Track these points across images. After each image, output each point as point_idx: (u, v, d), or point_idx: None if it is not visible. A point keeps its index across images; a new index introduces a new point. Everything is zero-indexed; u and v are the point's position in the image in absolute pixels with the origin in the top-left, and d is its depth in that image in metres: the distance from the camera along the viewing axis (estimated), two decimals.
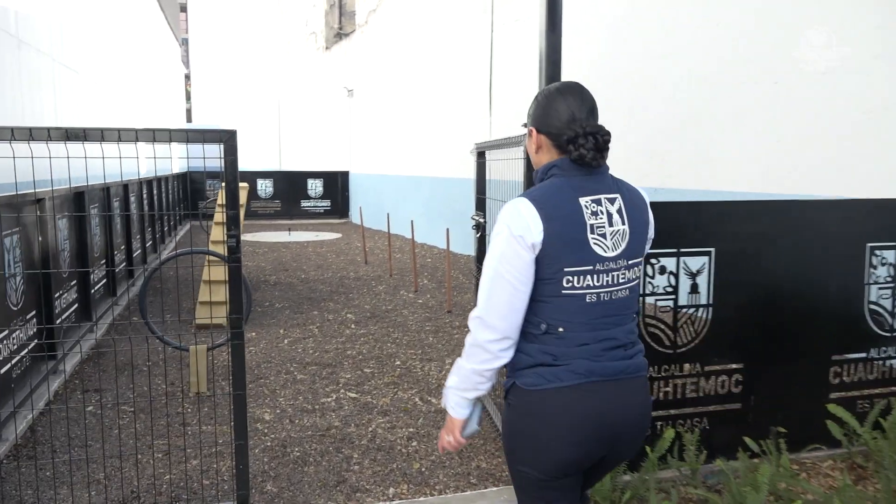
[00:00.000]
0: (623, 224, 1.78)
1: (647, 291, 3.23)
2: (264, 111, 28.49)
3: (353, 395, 4.78)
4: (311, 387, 4.95)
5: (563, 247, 1.71)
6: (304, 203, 18.18)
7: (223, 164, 2.73)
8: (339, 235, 14.92)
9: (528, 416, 1.77)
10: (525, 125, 1.95)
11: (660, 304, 3.29)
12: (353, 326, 6.70)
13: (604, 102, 2.06)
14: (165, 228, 13.15)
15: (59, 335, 5.19)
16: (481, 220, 4.06)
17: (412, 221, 9.80)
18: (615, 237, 1.76)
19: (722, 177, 6.58)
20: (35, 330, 4.79)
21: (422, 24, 13.52)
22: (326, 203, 18.30)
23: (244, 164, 31.52)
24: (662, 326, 3.30)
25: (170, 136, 2.68)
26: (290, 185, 18.11)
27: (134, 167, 13.58)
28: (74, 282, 6.00)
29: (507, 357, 1.78)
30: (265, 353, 5.79)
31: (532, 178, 1.91)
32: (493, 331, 1.73)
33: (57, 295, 5.35)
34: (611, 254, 1.75)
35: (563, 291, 1.72)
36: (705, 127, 6.78)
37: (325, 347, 5.97)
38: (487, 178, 4.22)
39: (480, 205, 4.23)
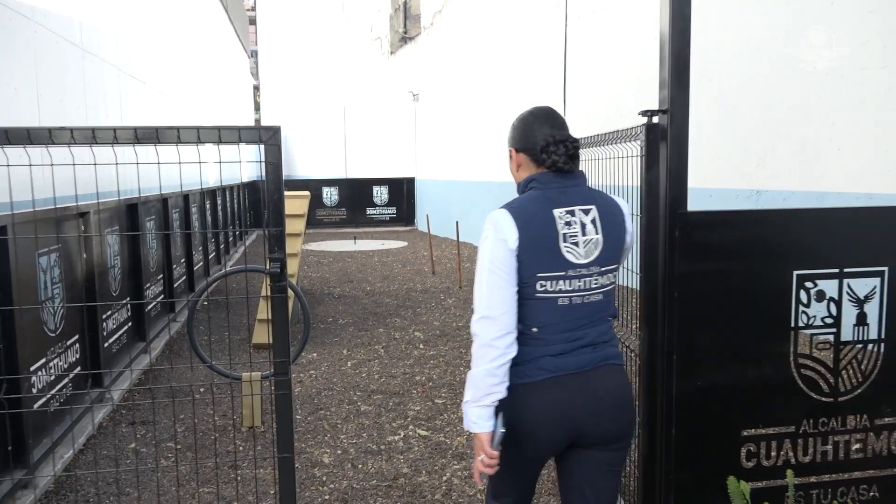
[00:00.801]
0: (597, 233, 1.90)
1: (801, 323, 2.51)
2: (330, 119, 28.48)
3: (424, 432, 4.18)
4: (377, 420, 4.39)
5: (535, 253, 1.83)
6: (370, 211, 17.83)
7: (264, 169, 2.17)
8: (405, 244, 14.45)
9: (508, 410, 1.87)
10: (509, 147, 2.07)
11: (817, 338, 2.56)
12: (421, 346, 6.13)
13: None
14: (230, 239, 12.94)
15: (104, 361, 4.79)
16: None
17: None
18: (588, 245, 1.89)
19: (836, 177, 5.70)
20: (77, 357, 4.39)
21: (489, 23, 12.92)
22: (392, 210, 17.90)
23: (309, 172, 31.73)
24: (820, 368, 2.57)
25: (198, 134, 2.14)
26: (356, 193, 17.79)
27: (195, 175, 13.46)
28: (127, 300, 5.64)
29: (513, 352, 1.85)
30: (326, 379, 5.26)
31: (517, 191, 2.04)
32: (498, 326, 1.81)
33: (105, 316, 4.97)
34: (583, 261, 1.88)
35: (537, 294, 1.85)
36: (814, 122, 5.90)
37: (392, 372, 5.41)
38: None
39: None
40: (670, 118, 2.34)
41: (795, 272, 2.46)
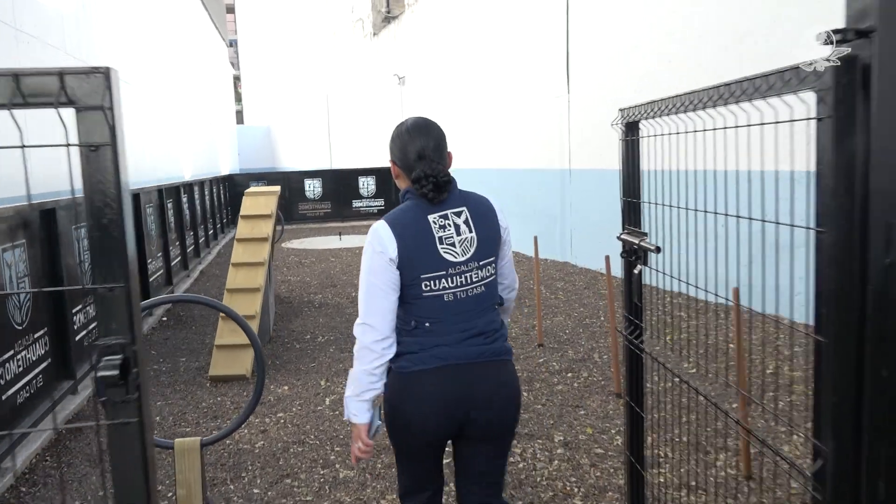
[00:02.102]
0: (470, 232, 2.04)
1: None
2: (313, 109, 27.24)
3: None
4: (360, 496, 3.30)
5: (416, 257, 1.98)
6: (356, 203, 16.69)
7: (72, 159, 1.06)
8: None
9: (398, 393, 2.00)
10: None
11: None
12: None
13: None
14: (202, 240, 11.78)
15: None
16: (638, 243, 2.32)
17: None
18: (464, 244, 2.02)
19: None
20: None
21: None
22: (380, 202, 16.76)
23: (293, 164, 30.53)
24: None
25: None
26: (340, 185, 16.64)
27: (165, 170, 12.40)
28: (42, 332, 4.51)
29: (390, 354, 1.99)
30: (297, 426, 4.17)
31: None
32: (375, 332, 1.96)
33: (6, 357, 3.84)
34: (461, 258, 2.01)
35: (424, 294, 1.99)
36: None
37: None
38: (647, 167, 2.47)
39: (633, 213, 2.48)
40: (880, 45, 1.24)
41: None
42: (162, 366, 5.52)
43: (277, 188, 7.01)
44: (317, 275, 9.48)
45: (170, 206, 9.57)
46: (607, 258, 4.26)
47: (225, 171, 24.83)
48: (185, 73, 17.39)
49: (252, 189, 6.29)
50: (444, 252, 1.99)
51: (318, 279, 9.15)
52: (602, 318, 6.37)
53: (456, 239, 2.01)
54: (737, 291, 3.09)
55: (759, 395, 4.03)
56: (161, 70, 13.65)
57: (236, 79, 49.71)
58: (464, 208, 2.05)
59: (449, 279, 1.99)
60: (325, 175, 16.90)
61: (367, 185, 16.66)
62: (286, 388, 4.85)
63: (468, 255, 2.01)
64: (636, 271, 2.37)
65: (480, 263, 2.03)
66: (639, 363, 2.41)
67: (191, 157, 17.21)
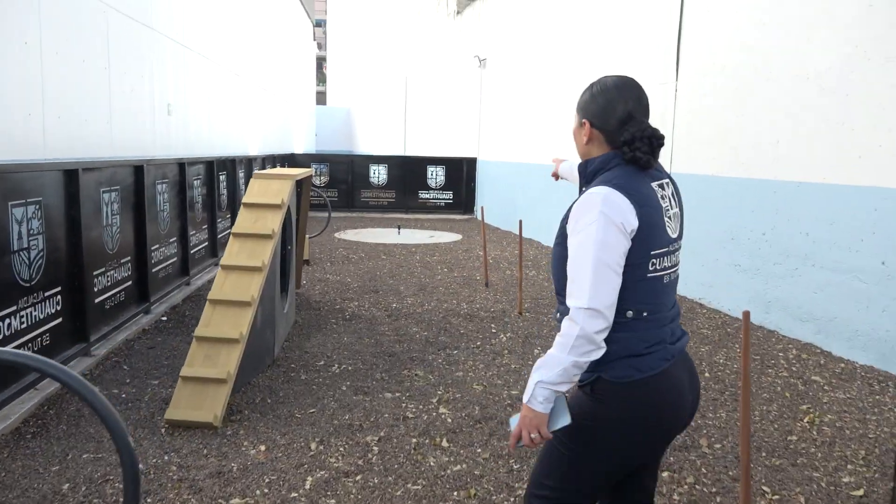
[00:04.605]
0: (676, 206, 1.88)
1: None
2: (392, 92, 26.12)
3: None
4: None
5: (650, 231, 1.74)
6: (423, 194, 15.34)
7: None
8: (458, 237, 11.92)
9: (627, 409, 1.75)
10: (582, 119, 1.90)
11: None
12: (444, 445, 3.60)
13: None
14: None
15: None
16: None
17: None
18: (675, 219, 1.86)
19: None
20: None
21: None
22: (448, 195, 15.36)
23: (369, 149, 29.62)
24: None
25: None
26: (408, 173, 15.32)
27: (225, 145, 11.83)
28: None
29: (605, 347, 1.74)
30: None
31: (583, 169, 1.90)
32: (603, 320, 1.70)
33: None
34: (674, 235, 1.84)
35: (648, 275, 1.76)
36: None
37: None
38: None
39: None
40: None
41: None
42: (124, 390, 4.29)
43: (306, 170, 5.70)
44: (360, 275, 8.17)
45: (222, 178, 9.01)
46: (746, 315, 2.70)
47: (299, 151, 24.28)
48: (265, 51, 16.79)
49: (265, 171, 4.98)
50: (668, 226, 1.81)
51: (360, 281, 7.83)
52: (721, 382, 4.75)
53: (671, 212, 1.84)
54: None
55: None
56: (239, 46, 13.21)
57: (322, 60, 49.39)
58: (668, 180, 1.89)
59: (668, 257, 1.81)
60: (392, 161, 15.62)
61: (436, 175, 15.29)
62: (262, 448, 3.51)
63: (677, 233, 1.86)
64: None
65: (680, 242, 1.90)
66: None
67: (260, 134, 16.51)
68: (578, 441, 1.81)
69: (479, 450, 3.52)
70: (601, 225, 1.69)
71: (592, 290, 1.68)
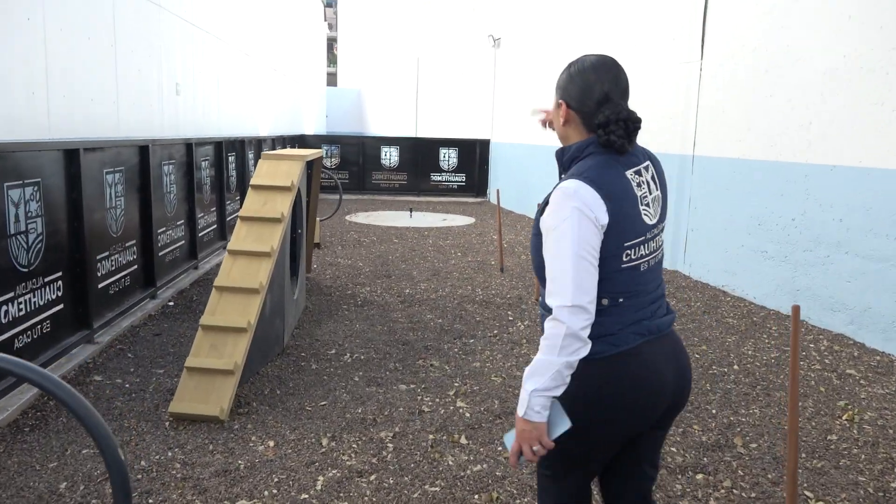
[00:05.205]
0: (657, 189, 1.82)
1: None
2: (403, 73, 25.76)
3: None
4: None
5: (622, 222, 1.71)
6: (435, 176, 15.10)
7: None
8: (471, 221, 11.69)
9: (604, 384, 1.73)
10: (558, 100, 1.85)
11: None
12: (463, 441, 3.41)
13: None
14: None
15: None
16: None
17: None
18: (655, 204, 1.80)
19: None
20: None
21: None
22: (460, 178, 15.11)
23: (380, 130, 29.35)
24: None
25: None
26: (419, 155, 15.07)
27: (235, 126, 11.65)
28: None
29: (590, 342, 1.69)
30: None
31: (560, 157, 1.87)
32: (587, 315, 1.66)
33: None
34: (653, 221, 1.79)
35: (623, 265, 1.74)
36: None
37: None
38: None
39: None
40: None
41: None
42: (128, 379, 4.12)
43: (316, 151, 5.49)
44: (372, 259, 7.97)
45: (231, 159, 8.83)
46: (796, 309, 2.47)
47: (310, 132, 24.06)
48: (275, 31, 16.52)
49: (274, 152, 4.77)
50: (644, 214, 1.76)
51: (372, 265, 7.63)
52: (751, 375, 4.52)
53: (650, 198, 1.79)
54: None
55: None
56: (249, 26, 12.97)
57: (333, 41, 48.88)
58: (648, 162, 1.83)
59: (645, 245, 1.77)
60: (404, 143, 15.36)
61: (448, 157, 15.03)
62: (271, 444, 3.33)
63: (657, 218, 1.81)
64: None
65: (661, 226, 1.84)
66: None
67: (270, 114, 16.31)
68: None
69: (501, 448, 3.33)
70: (575, 221, 1.66)
71: (574, 286, 1.65)
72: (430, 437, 3.44)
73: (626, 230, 1.72)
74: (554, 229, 1.69)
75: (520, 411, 1.70)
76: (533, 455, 1.72)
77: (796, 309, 2.47)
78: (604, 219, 1.67)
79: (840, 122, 5.43)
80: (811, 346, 5.06)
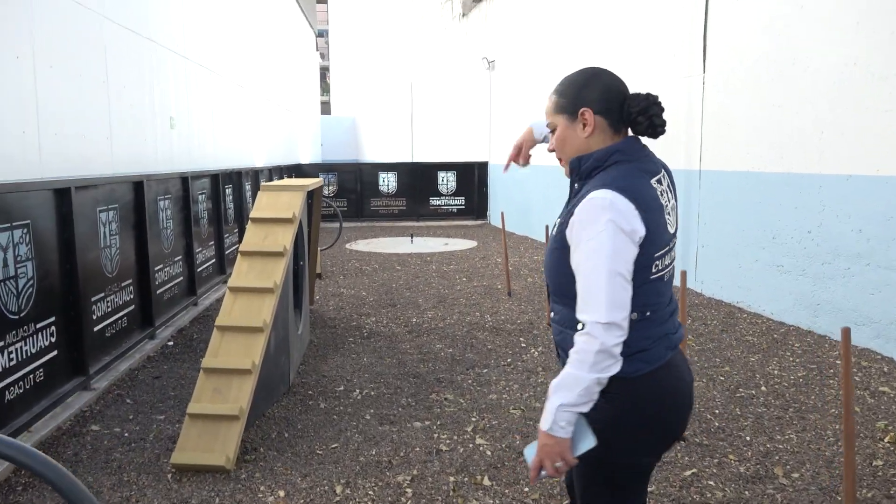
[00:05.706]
0: (673, 198, 1.80)
1: None
2: (397, 99, 25.77)
3: None
4: None
5: (655, 234, 1.68)
6: (434, 200, 14.97)
7: None
8: (473, 244, 11.52)
9: (641, 401, 1.69)
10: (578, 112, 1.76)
11: None
12: (486, 483, 3.20)
13: None
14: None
15: None
16: None
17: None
18: (673, 213, 1.78)
19: None
20: None
21: None
22: (460, 201, 14.97)
23: (376, 156, 29.30)
24: None
25: None
26: (418, 180, 14.95)
27: (229, 158, 11.54)
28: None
29: (622, 359, 1.64)
30: None
31: (577, 166, 1.79)
32: (620, 332, 1.62)
33: None
34: (673, 230, 1.77)
35: (651, 277, 1.70)
36: None
37: None
38: None
39: None
40: None
41: None
42: (128, 427, 3.91)
43: (316, 180, 5.33)
44: (375, 288, 7.78)
45: (228, 192, 8.69)
46: (846, 331, 2.28)
47: (306, 161, 24.02)
48: (268, 62, 16.53)
49: (273, 183, 4.60)
50: (668, 224, 1.72)
51: (376, 294, 7.44)
52: (781, 397, 4.32)
53: (669, 206, 1.75)
54: None
55: None
56: (242, 58, 12.95)
57: (325, 69, 49.13)
58: (663, 171, 1.80)
59: (668, 255, 1.73)
60: (401, 168, 15.25)
61: (446, 180, 14.91)
62: (282, 493, 3.11)
63: (675, 227, 1.78)
64: None
65: (676, 236, 1.80)
66: None
67: (265, 145, 16.24)
68: (602, 447, 1.70)
69: (527, 489, 3.12)
70: (610, 234, 1.61)
71: (609, 302, 1.61)
72: (451, 479, 3.23)
73: (656, 241, 1.68)
74: (588, 241, 1.63)
75: (544, 425, 1.65)
76: (554, 471, 1.68)
77: (846, 331, 2.28)
78: (641, 230, 1.63)
79: (854, 130, 5.28)
80: (837, 363, 4.86)
